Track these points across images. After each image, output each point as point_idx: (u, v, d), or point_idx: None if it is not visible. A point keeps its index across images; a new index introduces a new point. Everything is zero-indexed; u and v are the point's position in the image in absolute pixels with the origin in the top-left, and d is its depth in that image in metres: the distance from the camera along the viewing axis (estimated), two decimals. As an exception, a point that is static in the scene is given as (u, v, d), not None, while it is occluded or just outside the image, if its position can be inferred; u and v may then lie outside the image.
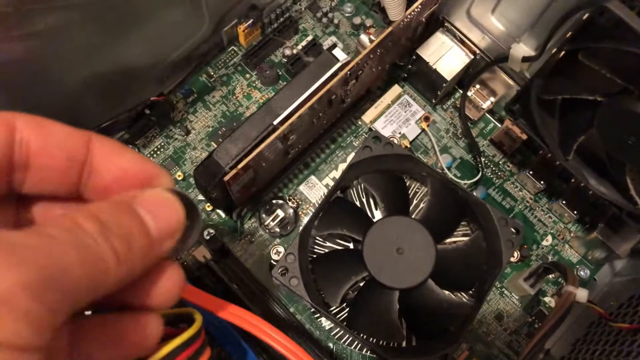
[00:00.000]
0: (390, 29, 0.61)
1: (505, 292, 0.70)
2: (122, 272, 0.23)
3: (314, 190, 0.73)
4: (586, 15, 0.49)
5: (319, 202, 0.58)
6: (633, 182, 0.58)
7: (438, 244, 0.58)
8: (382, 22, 0.78)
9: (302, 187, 0.73)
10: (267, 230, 0.70)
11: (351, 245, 0.61)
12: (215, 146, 0.66)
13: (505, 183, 0.75)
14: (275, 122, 0.58)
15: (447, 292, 0.57)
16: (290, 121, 0.58)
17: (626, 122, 0.51)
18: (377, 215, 0.62)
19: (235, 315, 0.37)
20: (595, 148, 0.61)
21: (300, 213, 0.72)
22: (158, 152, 0.73)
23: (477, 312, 0.55)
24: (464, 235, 0.62)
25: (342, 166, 0.74)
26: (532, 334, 0.69)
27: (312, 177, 0.74)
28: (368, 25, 0.78)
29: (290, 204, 0.71)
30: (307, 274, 0.55)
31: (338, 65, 0.60)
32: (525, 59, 0.62)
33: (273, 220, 0.70)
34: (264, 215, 0.70)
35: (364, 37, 0.70)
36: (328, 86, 0.59)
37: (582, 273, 0.72)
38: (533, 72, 0.66)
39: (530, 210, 0.74)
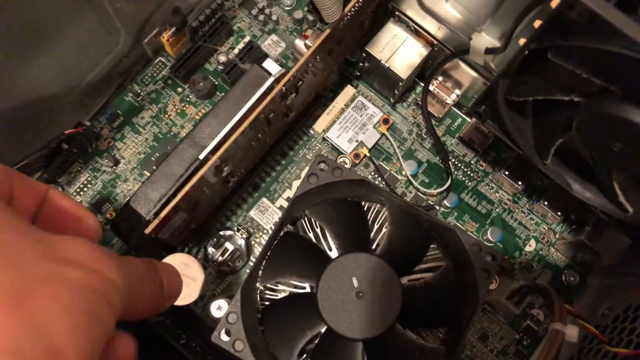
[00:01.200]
0: (327, 31, 0.52)
1: (488, 307, 0.63)
2: (138, 315, 0.27)
3: (267, 214, 0.65)
4: (555, 4, 0.40)
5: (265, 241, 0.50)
6: (621, 187, 0.50)
7: (404, 277, 0.50)
8: (327, 15, 0.69)
9: (252, 213, 0.65)
10: (216, 267, 0.62)
11: (307, 286, 0.53)
12: (148, 175, 0.58)
13: (479, 185, 0.67)
14: (201, 156, 0.49)
15: (416, 336, 0.50)
16: (219, 153, 0.49)
17: (609, 126, 0.43)
18: (334, 248, 0.54)
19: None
20: (577, 148, 0.53)
21: (253, 242, 0.64)
22: (85, 189, 0.64)
23: (455, 356, 0.47)
24: (435, 259, 0.54)
25: (296, 184, 0.65)
26: (521, 353, 0.62)
27: (264, 199, 0.65)
28: (311, 19, 0.68)
29: (239, 234, 0.62)
30: (255, 334, 0.48)
31: (271, 80, 0.51)
32: (488, 51, 0.54)
33: (222, 255, 0.62)
34: (211, 250, 0.62)
35: (299, 43, 0.61)
36: (261, 107, 0.50)
37: (571, 278, 0.64)
38: (500, 63, 0.57)
39: (510, 213, 0.66)
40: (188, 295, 0.52)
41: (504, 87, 0.49)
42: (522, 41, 0.45)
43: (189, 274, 0.51)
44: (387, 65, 0.61)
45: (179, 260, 0.51)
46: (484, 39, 0.54)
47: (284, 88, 0.50)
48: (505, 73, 0.48)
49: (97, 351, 0.23)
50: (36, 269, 0.22)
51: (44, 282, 0.22)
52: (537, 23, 0.43)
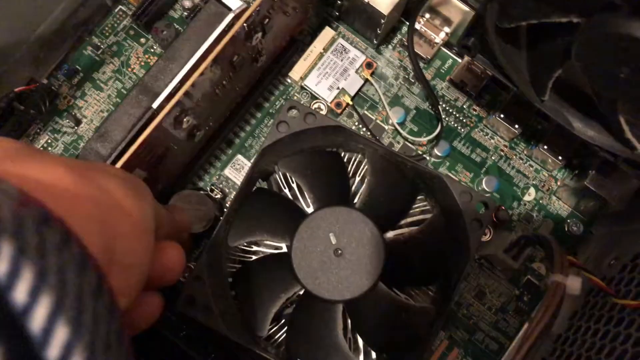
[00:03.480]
0: (293, -41, 0.46)
1: (485, 263, 0.59)
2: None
3: (243, 172, 0.59)
4: None
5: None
6: (628, 120, 0.45)
7: (388, 233, 0.45)
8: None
9: (227, 171, 0.60)
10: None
11: (283, 247, 0.48)
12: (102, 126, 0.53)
13: (472, 131, 0.61)
14: (155, 105, 0.44)
15: (404, 295, 0.45)
16: (175, 99, 0.44)
17: (614, 49, 0.38)
18: (312, 204, 0.49)
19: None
20: (578, 81, 0.47)
21: (227, 204, 0.59)
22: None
23: (445, 318, 0.43)
24: (423, 212, 0.50)
25: (273, 138, 0.60)
26: (521, 310, 0.58)
27: (239, 156, 0.60)
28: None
29: (213, 194, 0.58)
30: (225, 299, 0.43)
31: (230, 16, 0.46)
32: (477, -24, 0.48)
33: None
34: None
35: (263, -25, 0.54)
36: (220, 46, 0.44)
37: (574, 228, 0.60)
38: (490, -9, 0.51)
39: (507, 161, 0.61)
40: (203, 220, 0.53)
41: (493, 13, 0.44)
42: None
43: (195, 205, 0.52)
44: (366, 0, 0.55)
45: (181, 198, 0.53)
46: (472, -37, 0.48)
47: (245, 25, 0.45)
48: (494, -5, 0.42)
49: (151, 228, 0.32)
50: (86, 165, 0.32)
51: (98, 169, 0.31)
52: None
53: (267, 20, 0.49)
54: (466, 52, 0.49)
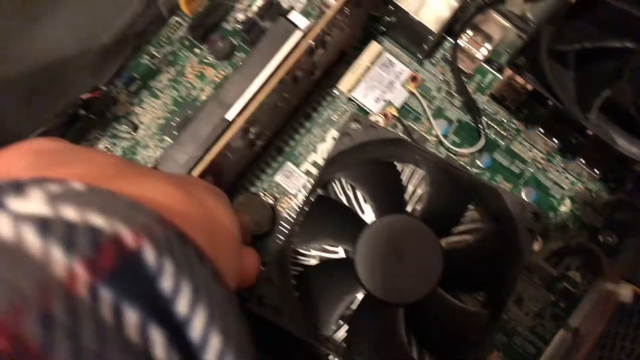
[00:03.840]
0: (358, -20, 0.48)
1: (524, 270, 0.61)
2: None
3: (292, 179, 0.62)
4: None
5: (299, 202, 0.48)
6: (672, 140, 0.48)
7: (442, 239, 0.48)
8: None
9: (278, 177, 0.62)
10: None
11: (339, 251, 0.51)
12: (171, 141, 0.56)
13: (512, 144, 0.64)
14: (229, 117, 0.47)
15: (456, 297, 0.48)
16: (248, 113, 0.47)
17: (667, 74, 0.41)
18: (367, 210, 0.51)
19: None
20: (622, 100, 0.50)
21: (278, 208, 0.62)
22: (104, 157, 0.61)
23: (498, 323, 0.46)
24: (472, 220, 0.52)
25: (322, 147, 0.63)
26: (557, 316, 0.61)
27: (288, 163, 0.63)
28: (333, -28, 0.65)
29: (266, 199, 0.60)
30: (292, 300, 0.46)
31: (300, 33, 0.48)
32: (528, -1, 0.51)
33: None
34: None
35: (327, -6, 0.57)
36: (290, 63, 0.47)
37: (609, 238, 0.62)
38: (538, 12, 0.54)
39: (544, 173, 0.64)
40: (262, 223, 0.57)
41: (548, 36, 0.46)
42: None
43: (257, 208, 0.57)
44: (416, 18, 0.58)
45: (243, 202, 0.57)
46: (524, -14, 0.51)
47: (313, 43, 0.47)
48: (551, 20, 0.45)
49: (239, 236, 0.35)
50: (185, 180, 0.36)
51: (195, 184, 0.34)
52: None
53: (328, 36, 0.51)
54: (515, 70, 0.52)
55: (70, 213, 0.20)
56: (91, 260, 0.19)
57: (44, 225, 0.19)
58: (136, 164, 0.38)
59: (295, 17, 0.49)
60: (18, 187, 0.21)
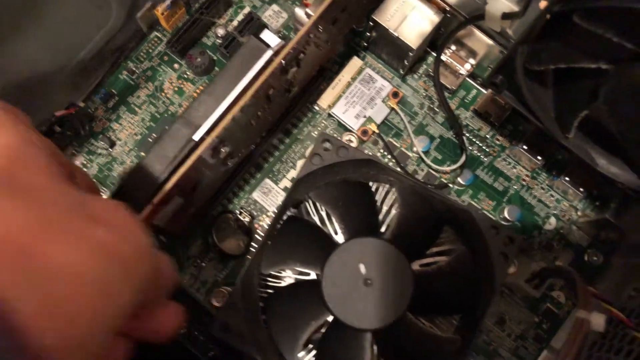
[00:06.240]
0: (330, -3, 0.47)
1: (505, 290, 0.60)
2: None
3: (270, 196, 0.61)
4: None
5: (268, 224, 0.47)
6: (652, 161, 0.46)
7: (414, 262, 0.47)
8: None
9: (255, 195, 0.61)
10: (218, 252, 0.59)
11: (312, 273, 0.50)
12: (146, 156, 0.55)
13: (495, 160, 0.63)
14: (196, 137, 0.46)
15: (429, 324, 0.47)
16: (215, 133, 0.46)
17: (641, 95, 0.39)
18: (340, 232, 0.50)
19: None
20: (602, 120, 0.49)
21: (255, 226, 0.61)
22: (81, 173, 0.61)
23: (469, 346, 0.44)
24: (447, 241, 0.51)
25: (301, 163, 0.62)
26: (540, 337, 0.59)
27: (267, 180, 0.62)
28: (315, -14, 0.64)
29: (242, 217, 0.59)
30: (257, 324, 0.45)
31: (269, 53, 0.47)
32: (505, 16, 0.49)
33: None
34: (213, 238, 0.59)
35: (299, 12, 0.56)
36: (259, 82, 0.46)
37: (594, 258, 0.61)
38: (518, 29, 0.53)
39: (528, 190, 0.62)
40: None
41: (523, 55, 0.45)
42: (543, 4, 0.41)
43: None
44: (396, 34, 0.57)
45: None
46: (501, 3, 0.50)
47: (283, 62, 0.47)
48: (524, 39, 0.44)
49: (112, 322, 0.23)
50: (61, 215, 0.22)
51: (61, 231, 0.22)
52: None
53: (301, 55, 0.51)
54: (494, 88, 0.51)
55: None
56: None
57: None
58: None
59: (267, 35, 0.49)
60: None
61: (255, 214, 0.61)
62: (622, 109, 0.42)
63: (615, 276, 0.60)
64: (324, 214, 0.51)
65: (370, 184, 0.51)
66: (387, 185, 0.52)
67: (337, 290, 0.45)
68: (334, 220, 0.50)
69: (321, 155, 0.46)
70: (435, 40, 0.63)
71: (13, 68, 0.54)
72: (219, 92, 0.46)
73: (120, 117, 0.62)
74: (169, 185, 0.44)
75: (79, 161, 0.61)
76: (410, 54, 0.58)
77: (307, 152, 0.61)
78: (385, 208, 0.52)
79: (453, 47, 0.63)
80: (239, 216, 0.59)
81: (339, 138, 0.48)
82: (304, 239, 0.48)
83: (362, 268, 0.45)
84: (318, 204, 0.51)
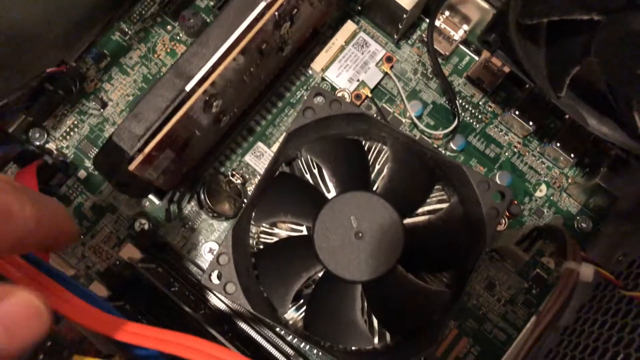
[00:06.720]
0: (324, -49, 0.47)
1: (495, 255, 0.60)
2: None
3: (263, 159, 0.61)
4: None
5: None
6: (643, 119, 0.46)
7: (406, 219, 0.47)
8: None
9: (247, 158, 0.61)
10: (212, 214, 0.59)
11: (304, 229, 0.50)
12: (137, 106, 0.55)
13: (487, 127, 0.63)
14: (187, 88, 0.46)
15: (420, 278, 0.47)
16: (207, 84, 0.46)
17: (633, 46, 0.39)
18: (332, 188, 0.50)
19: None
20: (594, 79, 0.49)
21: (248, 189, 0.60)
22: (72, 133, 0.61)
23: (460, 302, 0.44)
24: (439, 201, 0.51)
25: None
26: (530, 303, 0.59)
27: (259, 144, 0.62)
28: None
29: (234, 179, 0.59)
30: (248, 276, 0.45)
31: (262, 5, 0.47)
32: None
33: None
34: (204, 197, 0.59)
35: (293, -34, 0.56)
36: (252, 33, 0.46)
37: (583, 224, 0.61)
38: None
39: (519, 157, 0.63)
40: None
41: (515, 10, 0.45)
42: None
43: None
44: (389, -5, 0.57)
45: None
46: (495, -39, 0.50)
47: (276, 14, 0.46)
48: (517, -8, 0.44)
49: None
50: None
51: None
52: None
53: (295, 10, 0.50)
54: (486, 47, 0.51)
55: None
56: None
57: None
58: None
59: (260, -12, 0.48)
60: None
61: (247, 177, 0.61)
62: (613, 62, 0.42)
63: (605, 242, 0.60)
64: (316, 172, 0.51)
65: (363, 143, 0.50)
66: (380, 145, 0.52)
67: (328, 242, 0.45)
68: (326, 176, 0.50)
69: (314, 108, 0.46)
70: (429, 6, 0.63)
71: (3, 23, 0.54)
72: (211, 43, 0.46)
73: (112, 77, 0.62)
74: (161, 134, 0.44)
75: (70, 121, 0.61)
76: (404, 15, 0.58)
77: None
78: (377, 167, 0.52)
79: (447, 13, 0.63)
80: (231, 178, 0.59)
81: (331, 92, 0.47)
82: (295, 192, 0.48)
83: (354, 221, 0.45)
84: (310, 162, 0.50)
